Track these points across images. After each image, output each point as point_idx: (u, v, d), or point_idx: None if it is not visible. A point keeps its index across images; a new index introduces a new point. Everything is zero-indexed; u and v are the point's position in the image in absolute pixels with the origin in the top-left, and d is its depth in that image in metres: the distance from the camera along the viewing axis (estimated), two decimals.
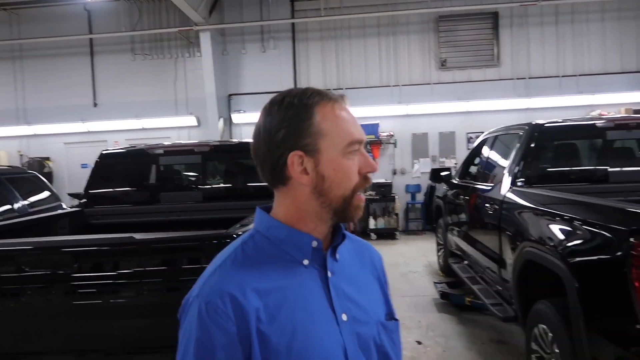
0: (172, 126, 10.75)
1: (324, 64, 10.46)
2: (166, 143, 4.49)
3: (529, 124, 3.94)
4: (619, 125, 3.65)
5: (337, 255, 0.99)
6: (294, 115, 0.93)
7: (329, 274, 0.96)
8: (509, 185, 3.79)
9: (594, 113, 9.53)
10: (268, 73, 10.50)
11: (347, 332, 0.94)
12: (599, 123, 3.68)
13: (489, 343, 4.25)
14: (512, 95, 10.01)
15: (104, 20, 10.80)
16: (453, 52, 10.21)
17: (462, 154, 9.93)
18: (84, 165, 10.62)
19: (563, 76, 9.96)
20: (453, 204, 5.59)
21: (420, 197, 10.21)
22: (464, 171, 5.62)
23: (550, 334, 2.85)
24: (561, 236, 2.73)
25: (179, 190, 4.26)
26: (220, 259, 0.95)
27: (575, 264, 2.52)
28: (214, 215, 3.98)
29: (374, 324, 1.00)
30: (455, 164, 9.70)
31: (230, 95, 10.66)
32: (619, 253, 2.17)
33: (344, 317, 0.94)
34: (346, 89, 10.34)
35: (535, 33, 10.03)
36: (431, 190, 9.82)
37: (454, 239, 5.58)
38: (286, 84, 10.47)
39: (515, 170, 3.80)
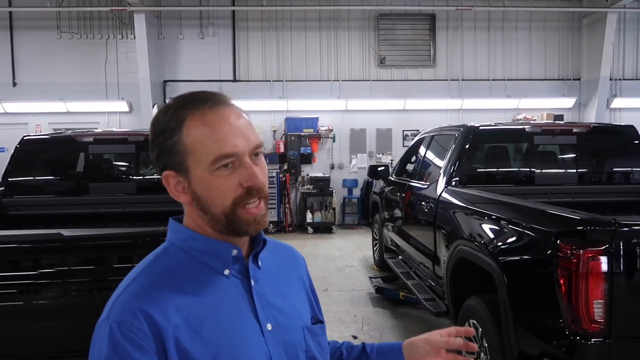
0: (102, 111, 10.17)
1: (265, 55, 10.31)
2: (97, 130, 4.21)
3: (464, 126, 4.09)
4: (546, 131, 3.89)
5: (260, 262, 0.96)
6: (164, 131, 0.90)
7: (252, 282, 0.93)
8: (444, 184, 3.92)
9: (520, 116, 10.13)
10: (206, 60, 10.19)
11: (273, 341, 0.92)
12: (528, 128, 3.89)
13: None
14: (446, 95, 10.39)
15: None
16: (392, 50, 10.42)
17: (398, 150, 10.22)
18: (0, 149, 9.79)
19: (493, 80, 10.47)
20: (390, 200, 5.72)
21: (357, 192, 10.38)
22: (401, 168, 5.77)
23: (480, 329, 2.99)
24: (493, 236, 2.86)
25: (109, 181, 4.03)
26: (131, 276, 0.89)
27: (505, 263, 2.65)
28: (147, 208, 3.80)
29: (299, 330, 0.98)
30: (392, 160, 9.95)
31: (165, 81, 10.24)
32: (546, 254, 2.30)
33: (269, 326, 0.92)
34: (286, 81, 10.27)
35: (469, 37, 10.46)
36: (368, 185, 10.02)
37: (390, 235, 5.71)
38: (225, 73, 10.23)
39: (450, 170, 3.94)
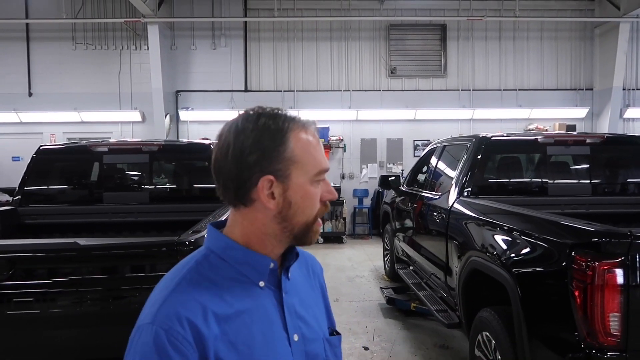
0: (115, 121, 10.30)
1: (276, 65, 10.39)
2: (111, 140, 4.27)
3: (476, 136, 4.08)
4: (559, 141, 3.87)
5: (289, 274, 1.00)
6: (269, 138, 0.91)
7: (284, 294, 0.97)
8: (456, 195, 3.91)
9: (532, 126, 10.08)
10: (218, 71, 10.30)
11: (298, 351, 0.96)
12: (540, 139, 3.87)
13: (433, 348, 4.36)
14: (456, 105, 10.38)
15: (42, 4, 10.18)
16: (403, 60, 10.45)
17: (409, 160, 10.21)
18: (15, 158, 9.94)
19: (504, 90, 10.44)
20: (401, 210, 5.70)
21: (367, 201, 10.37)
22: (412, 179, 5.76)
23: (493, 341, 2.96)
24: (506, 247, 2.84)
25: (123, 191, 4.07)
26: (173, 280, 0.91)
27: (519, 274, 2.63)
28: (160, 217, 3.84)
29: (321, 341, 1.02)
30: (402, 170, 9.95)
31: (177, 91, 10.36)
32: (561, 266, 2.28)
33: (296, 337, 0.96)
34: (297, 91, 10.33)
35: (480, 47, 10.46)
36: (378, 195, 10.01)
37: (401, 245, 5.69)
38: (237, 83, 10.32)
39: (463, 181, 3.93)
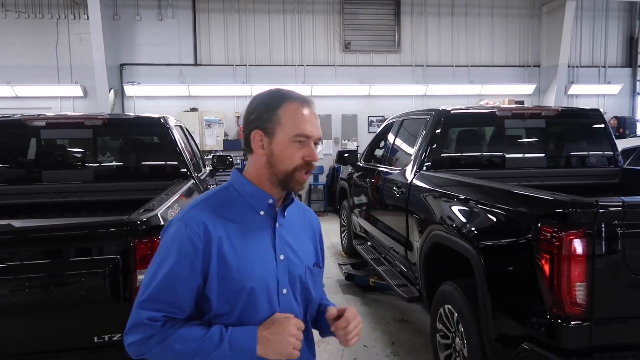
0: (54, 95, 9.61)
1: (227, 39, 10.00)
2: (49, 114, 3.91)
3: (435, 110, 4.05)
4: (516, 114, 3.89)
5: (286, 214, 1.35)
6: (265, 105, 1.28)
7: (277, 225, 1.32)
8: (416, 169, 3.87)
9: (482, 102, 10.27)
10: (165, 43, 9.79)
11: (282, 267, 1.30)
12: (498, 112, 3.88)
13: (393, 322, 4.37)
14: (410, 81, 10.41)
15: None
16: (357, 35, 10.31)
17: (364, 136, 10.18)
18: None
19: (457, 66, 10.56)
20: (358, 186, 5.65)
21: (322, 178, 10.30)
22: (370, 154, 5.70)
23: (455, 314, 2.96)
24: (469, 220, 2.82)
25: (64, 168, 3.76)
26: (201, 199, 1.31)
27: (483, 247, 2.62)
28: (107, 197, 3.57)
29: (303, 267, 1.35)
30: (357, 146, 9.91)
31: (122, 65, 9.78)
32: (526, 237, 2.27)
33: (282, 257, 1.31)
34: (250, 65, 10.01)
35: (433, 22, 10.48)
36: (333, 172, 9.95)
37: (359, 221, 5.66)
38: (186, 56, 9.87)
39: (422, 155, 3.89)
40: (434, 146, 3.87)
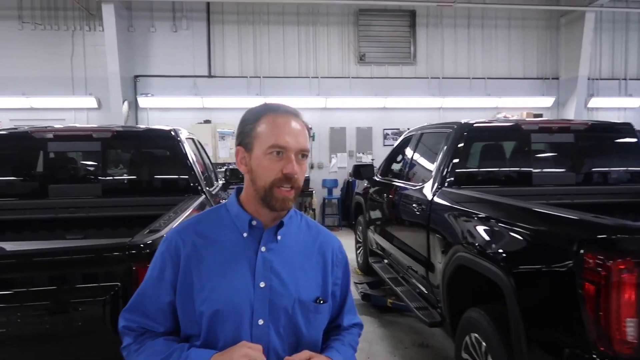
0: (68, 107, 9.60)
1: (241, 50, 9.93)
2: (57, 126, 3.80)
3: (457, 123, 3.86)
4: (543, 128, 3.69)
5: (279, 237, 1.26)
6: (245, 120, 1.26)
7: (262, 248, 1.23)
8: (437, 185, 3.68)
9: (500, 115, 10.04)
10: (180, 55, 9.76)
11: (261, 295, 1.20)
12: (524, 125, 3.68)
13: (412, 347, 4.15)
14: (426, 93, 10.22)
15: None
16: (372, 47, 10.19)
17: (378, 150, 10.01)
18: None
19: (473, 78, 10.36)
20: (375, 201, 5.46)
21: (337, 192, 10.12)
22: (387, 168, 5.52)
23: (483, 344, 2.75)
24: (499, 242, 2.62)
25: (72, 182, 3.63)
26: (193, 217, 1.31)
27: (516, 272, 2.41)
28: (115, 212, 3.43)
29: (291, 299, 1.23)
30: (373, 159, 9.73)
31: (136, 76, 9.76)
32: (567, 264, 2.06)
33: (262, 284, 1.21)
34: (264, 77, 9.92)
35: (449, 34, 10.32)
36: (348, 185, 9.78)
37: (375, 238, 5.46)
38: (200, 68, 9.82)
39: (444, 171, 3.70)
40: (456, 161, 3.68)
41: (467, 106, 10.20)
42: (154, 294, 1.23)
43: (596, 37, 10.30)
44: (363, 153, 10.21)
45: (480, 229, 2.81)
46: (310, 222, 1.40)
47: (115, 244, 1.83)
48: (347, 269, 1.43)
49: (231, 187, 5.50)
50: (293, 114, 1.24)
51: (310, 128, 9.77)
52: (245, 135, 1.23)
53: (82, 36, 9.61)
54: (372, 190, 5.64)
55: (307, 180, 9.52)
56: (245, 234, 1.23)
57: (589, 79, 10.24)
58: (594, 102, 10.41)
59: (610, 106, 10.56)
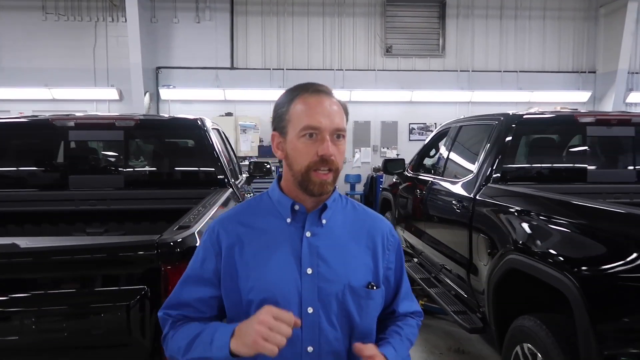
0: (90, 99, 9.54)
1: (264, 42, 9.72)
2: (78, 114, 3.62)
3: (505, 115, 3.57)
4: (600, 120, 3.37)
5: (324, 221, 1.21)
6: (279, 104, 1.22)
7: (307, 233, 1.19)
8: (481, 181, 3.40)
9: (532, 110, 9.63)
10: (202, 46, 9.59)
11: (308, 282, 1.16)
12: (580, 117, 3.37)
13: (448, 353, 3.89)
14: (455, 87, 9.88)
15: None
16: (399, 38, 9.88)
17: (404, 145, 9.72)
18: None
19: (505, 71, 9.97)
20: (406, 198, 5.19)
21: (360, 187, 9.85)
22: (419, 163, 5.24)
23: (539, 356, 2.48)
24: (563, 245, 2.34)
25: (94, 173, 3.45)
26: (235, 207, 1.31)
27: (584, 279, 2.12)
28: (138, 205, 3.24)
29: (341, 285, 1.18)
30: (398, 155, 9.44)
31: (158, 68, 9.63)
32: None
33: (309, 270, 1.17)
34: (287, 69, 9.70)
35: (481, 26, 9.94)
36: (372, 181, 9.51)
37: (405, 235, 5.19)
38: (222, 60, 9.64)
39: (489, 166, 3.41)
40: (503, 156, 3.38)
41: (498, 100, 9.81)
42: (194, 289, 1.19)
43: (637, 28, 9.79)
44: (388, 148, 9.93)
45: (537, 230, 2.53)
46: (357, 205, 1.33)
47: (142, 241, 1.60)
48: (400, 252, 1.35)
49: (256, 180, 5.30)
50: (325, 92, 1.18)
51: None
52: (279, 119, 1.19)
53: (105, 27, 9.52)
54: (402, 185, 5.37)
55: None
56: (288, 220, 1.19)
57: (629, 73, 9.75)
58: (634, 97, 9.93)
59: None
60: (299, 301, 1.15)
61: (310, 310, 1.15)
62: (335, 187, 1.26)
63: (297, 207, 1.20)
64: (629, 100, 9.95)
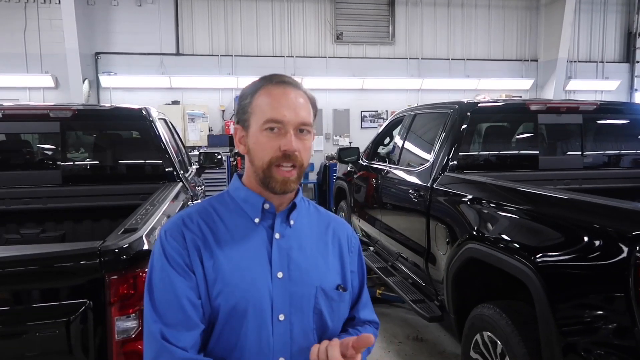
0: (22, 86, 8.86)
1: (212, 27, 9.36)
2: (8, 104, 3.30)
3: (459, 103, 3.57)
4: (551, 108, 3.43)
5: (292, 222, 1.15)
6: (242, 95, 1.14)
7: (277, 235, 1.11)
8: (438, 170, 3.39)
9: (479, 97, 9.86)
10: (145, 31, 9.11)
11: (280, 287, 1.08)
12: (532, 105, 3.41)
13: (406, 341, 3.90)
14: (405, 74, 9.94)
15: None
16: (349, 25, 9.80)
17: (356, 132, 9.71)
18: None
19: (452, 59, 10.13)
20: (361, 186, 5.15)
21: (313, 176, 9.77)
22: (374, 152, 5.20)
23: (499, 343, 2.49)
24: (523, 234, 2.34)
25: (26, 169, 3.15)
26: (195, 204, 1.19)
27: (545, 268, 2.13)
28: (78, 203, 2.99)
29: (312, 287, 1.12)
30: (350, 142, 9.42)
31: (97, 53, 9.07)
32: (615, 261, 1.79)
33: (280, 274, 1.09)
34: (236, 56, 9.41)
35: (429, 14, 10.03)
36: (325, 169, 9.44)
37: (360, 225, 5.17)
38: (167, 45, 9.21)
39: (445, 154, 3.40)
40: (459, 144, 3.38)
41: (446, 88, 9.97)
42: (186, 335, 1.01)
43: (575, 19, 10.20)
44: (340, 136, 9.89)
45: (497, 219, 2.53)
46: (319, 207, 1.28)
47: (82, 249, 1.41)
48: (361, 256, 1.30)
49: (206, 172, 5.09)
50: (290, 83, 1.11)
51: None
52: (242, 112, 1.12)
53: (36, 9, 8.83)
54: (357, 174, 5.33)
55: None
56: (257, 220, 1.11)
57: (567, 61, 10.16)
58: (572, 85, 10.37)
59: (587, 89, 10.55)
60: (271, 307, 1.06)
61: (281, 317, 1.07)
62: (299, 189, 1.17)
63: (267, 206, 1.11)
64: (568, 87, 10.39)
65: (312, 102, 1.15)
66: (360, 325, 1.26)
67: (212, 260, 1.05)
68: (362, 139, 8.62)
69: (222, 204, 1.14)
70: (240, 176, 1.18)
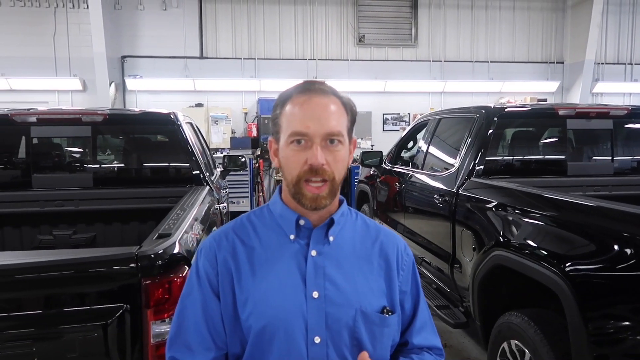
0: (51, 89, 9.07)
1: (235, 30, 9.45)
2: (41, 108, 3.39)
3: (486, 108, 3.53)
4: (580, 113, 3.37)
5: (331, 238, 1.08)
6: (274, 107, 1.09)
7: (313, 252, 1.06)
8: (464, 175, 3.36)
9: (503, 100, 9.74)
10: (170, 35, 9.24)
11: (315, 307, 1.02)
12: (560, 110, 3.36)
13: None
14: (427, 77, 9.87)
15: None
16: (372, 28, 9.77)
17: (378, 135, 9.68)
18: None
19: (476, 61, 10.02)
20: (384, 190, 5.14)
21: None
22: (397, 155, 5.19)
23: (527, 352, 2.46)
24: (553, 242, 2.31)
25: (59, 172, 3.24)
26: (230, 222, 1.14)
27: (576, 277, 2.10)
28: (108, 205, 3.06)
29: (352, 309, 1.04)
30: (372, 145, 9.40)
31: (123, 57, 9.24)
32: None
33: (315, 294, 1.03)
34: (259, 59, 9.48)
35: (452, 16, 9.94)
36: (347, 172, 9.43)
37: None
38: (191, 49, 9.33)
39: (471, 159, 3.37)
40: (485, 149, 3.35)
41: (470, 90, 9.87)
42: (194, 321, 1.04)
43: (602, 20, 9.99)
44: (362, 139, 9.85)
45: (528, 226, 2.49)
46: (368, 220, 1.19)
47: (120, 255, 1.45)
48: (415, 273, 1.19)
49: (230, 174, 5.14)
50: (316, 90, 1.03)
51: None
52: (273, 124, 1.08)
53: (65, 14, 9.04)
54: (380, 178, 5.32)
55: None
56: (292, 236, 1.06)
57: (594, 64, 9.95)
58: (599, 87, 10.15)
59: (615, 91, 10.32)
60: (305, 329, 1.01)
61: (317, 340, 1.01)
62: (343, 200, 1.12)
63: (302, 222, 1.06)
64: (595, 90, 10.17)
65: (348, 107, 1.08)
66: (416, 352, 1.15)
67: (244, 281, 1.03)
68: (384, 142, 8.58)
69: (259, 219, 1.11)
70: (281, 189, 1.13)
